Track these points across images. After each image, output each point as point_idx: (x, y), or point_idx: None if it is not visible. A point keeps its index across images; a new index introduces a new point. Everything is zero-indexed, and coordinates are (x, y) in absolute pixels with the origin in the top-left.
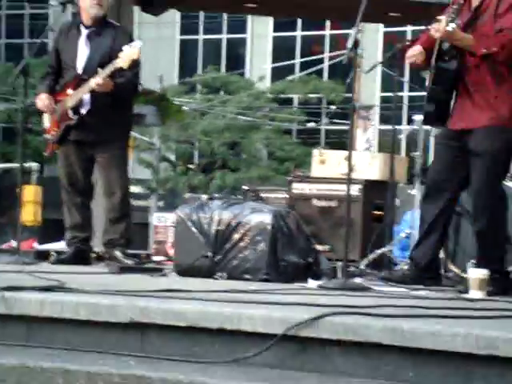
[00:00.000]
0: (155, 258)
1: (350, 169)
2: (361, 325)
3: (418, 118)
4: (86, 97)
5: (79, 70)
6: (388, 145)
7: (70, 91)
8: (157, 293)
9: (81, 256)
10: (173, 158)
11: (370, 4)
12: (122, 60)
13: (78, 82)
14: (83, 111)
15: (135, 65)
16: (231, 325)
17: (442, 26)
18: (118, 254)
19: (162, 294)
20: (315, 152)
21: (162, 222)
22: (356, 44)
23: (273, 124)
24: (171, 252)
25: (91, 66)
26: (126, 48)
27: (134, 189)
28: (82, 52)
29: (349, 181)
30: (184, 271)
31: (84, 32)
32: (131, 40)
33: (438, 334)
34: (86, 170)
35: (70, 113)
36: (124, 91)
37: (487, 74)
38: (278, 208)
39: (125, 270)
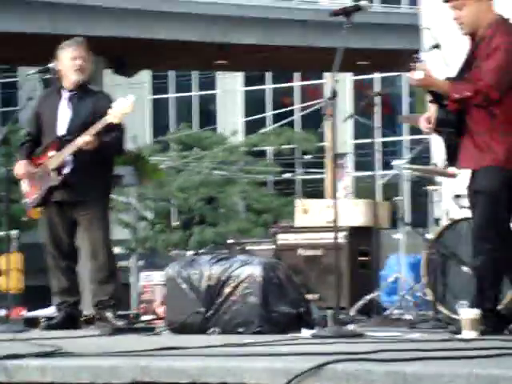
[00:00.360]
0: (144, 318)
1: (336, 216)
2: (363, 371)
3: (397, 162)
4: (69, 157)
5: (61, 132)
6: (365, 191)
7: (51, 153)
8: (156, 351)
9: (71, 320)
10: (150, 216)
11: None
12: (112, 116)
13: (60, 143)
14: (66, 171)
15: (121, 125)
16: (234, 378)
17: (412, 74)
18: (109, 315)
19: (160, 352)
20: (297, 202)
21: (149, 280)
22: (334, 94)
23: (248, 177)
24: (159, 310)
25: (74, 127)
26: (116, 103)
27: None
28: (64, 115)
29: (336, 228)
30: (177, 328)
31: (65, 95)
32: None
33: (439, 375)
34: (70, 232)
35: (53, 174)
36: (110, 150)
37: (482, 115)
38: (267, 260)
39: (117, 331)
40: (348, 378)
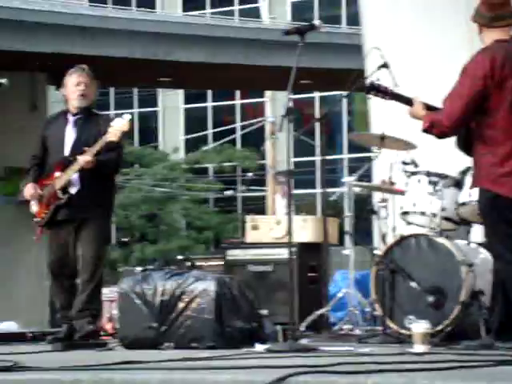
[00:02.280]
0: None
1: (290, 233)
2: (326, 382)
3: (347, 179)
4: (75, 176)
5: (66, 153)
6: (303, 208)
7: (57, 174)
8: (116, 365)
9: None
10: None
11: (282, 73)
12: (112, 134)
13: (65, 163)
14: (73, 190)
15: (120, 145)
16: None
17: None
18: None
19: (121, 366)
20: (248, 218)
21: None
22: (290, 111)
23: (190, 194)
24: (108, 326)
25: (78, 148)
26: (114, 122)
27: None
28: (69, 137)
29: (290, 244)
30: (130, 344)
31: (71, 119)
32: None
33: None
34: (74, 249)
35: (59, 193)
36: (106, 169)
37: (475, 137)
38: (220, 275)
39: (68, 346)
40: None
